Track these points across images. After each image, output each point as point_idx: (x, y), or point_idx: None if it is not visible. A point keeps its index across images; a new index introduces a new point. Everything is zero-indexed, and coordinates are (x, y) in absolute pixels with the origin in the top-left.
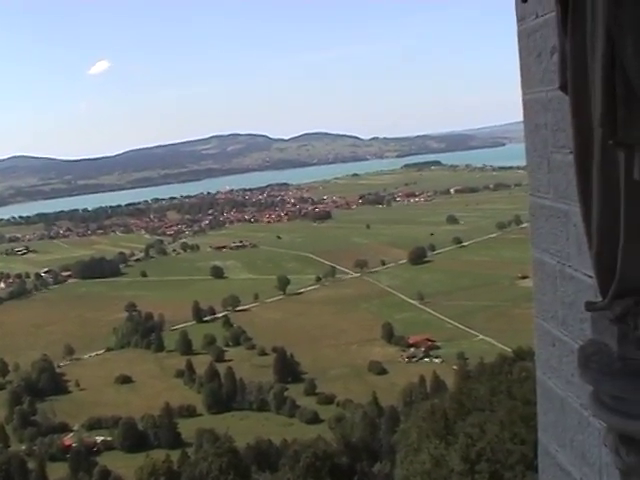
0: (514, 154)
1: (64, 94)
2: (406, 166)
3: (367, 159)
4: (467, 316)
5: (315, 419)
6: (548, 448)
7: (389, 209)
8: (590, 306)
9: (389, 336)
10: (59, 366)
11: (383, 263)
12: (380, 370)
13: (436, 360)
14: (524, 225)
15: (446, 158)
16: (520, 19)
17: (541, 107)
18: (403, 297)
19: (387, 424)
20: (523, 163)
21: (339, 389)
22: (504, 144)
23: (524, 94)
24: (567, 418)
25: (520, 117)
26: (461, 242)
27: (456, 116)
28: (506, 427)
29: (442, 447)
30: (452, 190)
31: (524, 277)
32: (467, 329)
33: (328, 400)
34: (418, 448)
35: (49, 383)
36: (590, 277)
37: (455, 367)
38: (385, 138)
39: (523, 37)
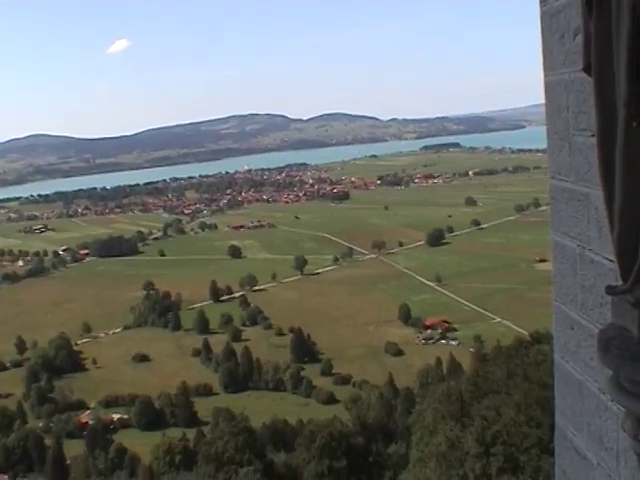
0: (534, 137)
1: (83, 73)
2: (425, 148)
3: (386, 140)
4: (484, 299)
5: (331, 399)
6: (565, 432)
7: (407, 190)
8: (611, 290)
9: (406, 317)
10: (76, 344)
11: (401, 244)
12: (396, 351)
13: (453, 342)
14: (543, 208)
15: (465, 140)
16: (543, 0)
17: (563, 89)
18: (420, 279)
19: (403, 405)
20: (543, 146)
21: (355, 370)
22: (524, 127)
23: (546, 76)
24: (585, 402)
25: (541, 99)
26: (479, 224)
27: (476, 98)
28: (522, 410)
29: (458, 429)
30: (471, 172)
31: (542, 260)
32: (484, 312)
33: (344, 381)
34: (434, 430)
35: (66, 361)
36: (611, 261)
37: (471, 349)
38: (404, 119)
39: (546, 18)
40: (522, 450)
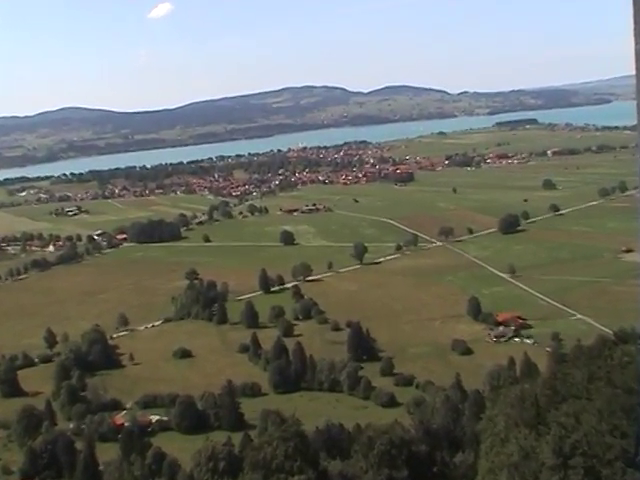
0: (621, 112)
1: (121, 40)
2: (498, 124)
3: (455, 116)
4: (563, 292)
5: (392, 402)
6: None
7: (478, 172)
8: None
9: (476, 312)
10: (112, 337)
11: (470, 231)
12: (465, 350)
13: (527, 340)
14: (630, 192)
15: (543, 116)
16: None
17: None
18: (492, 269)
19: (471, 410)
20: (631, 122)
21: (419, 369)
22: (610, 101)
23: (637, 43)
24: None
25: (629, 71)
26: (558, 210)
27: (556, 69)
28: (605, 418)
29: (532, 438)
30: (549, 152)
31: (629, 250)
32: (563, 307)
33: (407, 381)
34: (505, 438)
35: (100, 356)
36: None
37: (548, 349)
38: (476, 93)
39: None
40: (604, 462)
